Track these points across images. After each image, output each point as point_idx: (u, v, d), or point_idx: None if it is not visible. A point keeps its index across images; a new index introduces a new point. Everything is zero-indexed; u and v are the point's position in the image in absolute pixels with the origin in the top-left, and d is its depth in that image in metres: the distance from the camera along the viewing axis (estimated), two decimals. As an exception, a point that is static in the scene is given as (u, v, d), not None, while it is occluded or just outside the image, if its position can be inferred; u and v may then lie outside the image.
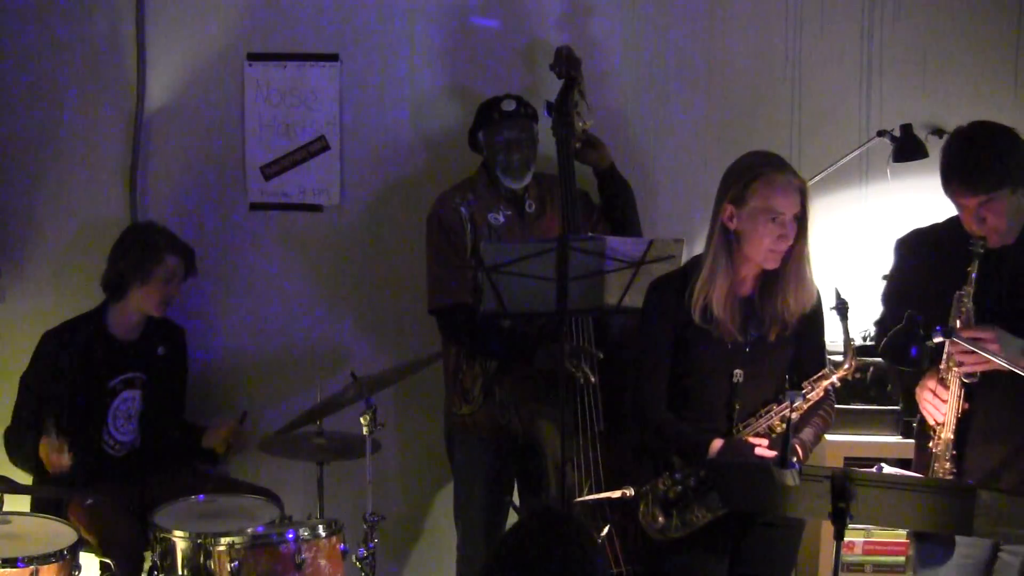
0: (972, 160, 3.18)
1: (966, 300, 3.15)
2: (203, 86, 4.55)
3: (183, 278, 4.23)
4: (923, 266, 3.37)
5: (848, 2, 4.38)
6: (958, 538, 3.31)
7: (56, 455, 3.86)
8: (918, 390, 3.33)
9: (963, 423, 3.24)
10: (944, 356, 3.23)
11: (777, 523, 3.39)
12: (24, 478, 4.15)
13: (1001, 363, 3.08)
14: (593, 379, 3.82)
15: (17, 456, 4.10)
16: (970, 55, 4.36)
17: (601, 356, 3.83)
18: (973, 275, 3.16)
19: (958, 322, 3.17)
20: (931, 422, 3.29)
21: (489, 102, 4.08)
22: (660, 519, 3.35)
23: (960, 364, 3.19)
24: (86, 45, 4.54)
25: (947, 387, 3.24)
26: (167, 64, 4.53)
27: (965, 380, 3.21)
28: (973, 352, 3.13)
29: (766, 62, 4.41)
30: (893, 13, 4.37)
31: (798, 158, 4.32)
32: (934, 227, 3.40)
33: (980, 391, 3.23)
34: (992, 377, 3.19)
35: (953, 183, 3.21)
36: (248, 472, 4.51)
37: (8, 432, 4.13)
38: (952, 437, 3.23)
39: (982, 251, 3.17)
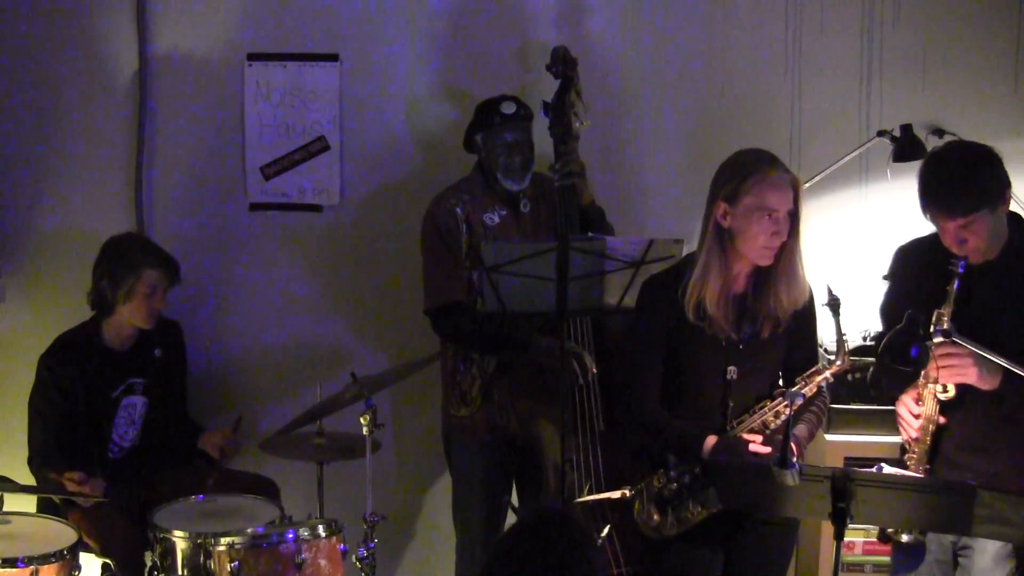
0: (949, 184, 3.16)
1: (944, 319, 3.13)
2: (203, 86, 4.55)
3: (167, 288, 4.20)
4: (918, 276, 3.36)
5: (848, 2, 4.37)
6: (929, 539, 3.34)
7: (84, 489, 3.89)
8: (896, 405, 3.35)
9: (937, 438, 3.27)
10: (922, 372, 3.24)
11: (773, 520, 3.39)
12: (24, 478, 4.15)
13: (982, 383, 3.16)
14: (583, 380, 3.81)
15: (48, 481, 4.07)
16: (970, 55, 4.35)
17: (595, 372, 3.80)
18: (952, 294, 3.14)
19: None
20: (905, 437, 3.32)
21: (488, 104, 4.06)
22: (655, 517, 3.35)
23: (935, 380, 3.21)
24: (87, 45, 4.54)
25: (923, 403, 3.27)
26: (167, 64, 4.53)
27: (940, 397, 3.23)
28: (949, 366, 3.15)
29: (766, 62, 4.41)
30: (893, 13, 4.37)
31: (798, 158, 4.32)
32: (933, 237, 3.34)
33: (954, 407, 3.26)
34: (966, 394, 3.22)
35: (932, 207, 3.20)
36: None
37: (31, 462, 4.13)
38: (926, 452, 3.26)
39: (961, 271, 3.15)
